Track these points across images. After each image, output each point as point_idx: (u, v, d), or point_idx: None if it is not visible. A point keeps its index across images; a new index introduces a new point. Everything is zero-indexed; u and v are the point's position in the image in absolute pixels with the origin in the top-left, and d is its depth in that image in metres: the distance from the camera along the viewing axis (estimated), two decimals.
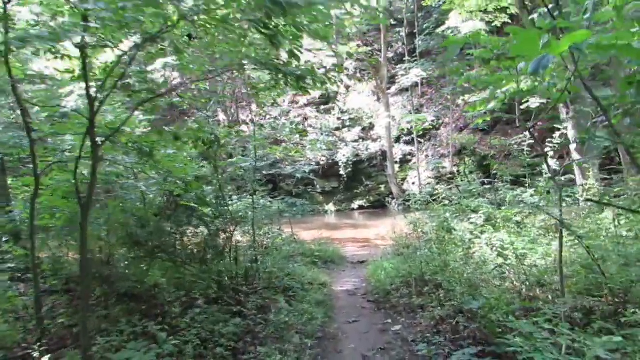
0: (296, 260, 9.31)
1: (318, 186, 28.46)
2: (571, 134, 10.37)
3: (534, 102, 10.78)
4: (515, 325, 3.47)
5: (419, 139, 26.92)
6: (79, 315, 4.76)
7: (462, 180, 9.98)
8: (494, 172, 8.14)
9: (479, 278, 5.58)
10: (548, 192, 8.88)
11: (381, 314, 6.33)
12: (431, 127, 26.98)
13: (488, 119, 7.70)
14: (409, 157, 28.30)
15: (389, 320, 5.96)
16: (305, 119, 31.24)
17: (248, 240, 8.20)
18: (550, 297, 4.69)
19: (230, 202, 7.97)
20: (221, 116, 30.61)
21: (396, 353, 4.74)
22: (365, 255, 13.37)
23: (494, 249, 6.18)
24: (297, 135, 25.07)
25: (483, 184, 9.35)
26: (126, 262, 6.20)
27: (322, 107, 31.60)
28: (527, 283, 4.94)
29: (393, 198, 27.10)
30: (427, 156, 27.76)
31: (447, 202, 9.18)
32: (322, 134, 29.04)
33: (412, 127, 26.28)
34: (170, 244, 6.46)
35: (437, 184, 11.41)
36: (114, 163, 6.30)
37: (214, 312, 5.26)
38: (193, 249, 6.52)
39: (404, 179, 27.87)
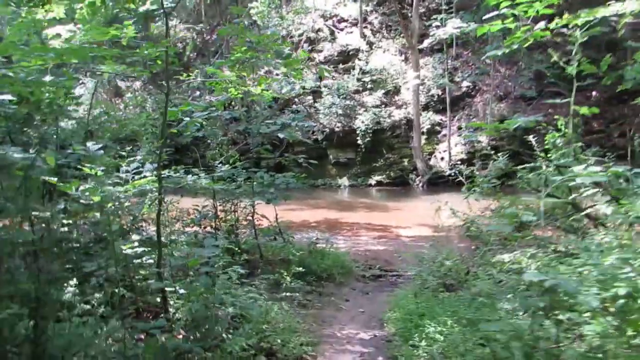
0: (261, 281, 5.26)
1: (331, 156, 24.33)
2: None
3: None
4: None
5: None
6: None
7: (559, 158, 5.73)
8: None
9: None
10: None
11: None
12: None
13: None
14: (437, 128, 24.01)
15: None
16: (320, 78, 26.90)
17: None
18: None
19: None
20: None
21: None
22: (383, 254, 9.49)
23: None
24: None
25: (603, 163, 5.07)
26: None
27: (341, 65, 27.10)
28: None
29: (417, 175, 22.89)
30: (459, 128, 23.42)
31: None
32: (338, 97, 24.81)
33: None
34: None
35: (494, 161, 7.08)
36: None
37: None
38: None
39: (431, 153, 23.61)
